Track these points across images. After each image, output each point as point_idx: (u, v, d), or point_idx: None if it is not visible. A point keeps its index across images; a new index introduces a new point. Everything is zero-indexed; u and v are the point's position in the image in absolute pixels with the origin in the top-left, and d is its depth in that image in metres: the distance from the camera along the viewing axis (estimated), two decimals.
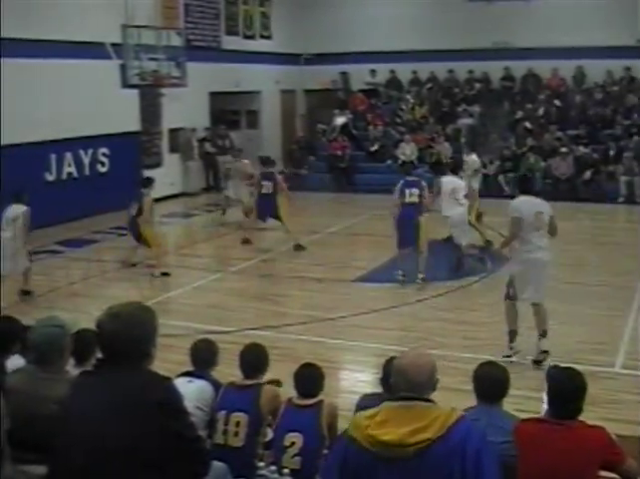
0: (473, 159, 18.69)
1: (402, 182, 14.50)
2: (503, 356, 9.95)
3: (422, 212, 14.25)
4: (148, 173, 22.02)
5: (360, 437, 3.93)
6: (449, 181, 15.28)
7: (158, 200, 18.80)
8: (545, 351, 10.13)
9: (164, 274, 15.23)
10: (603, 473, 4.97)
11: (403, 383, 3.97)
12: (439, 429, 3.81)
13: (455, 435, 3.82)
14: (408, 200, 14.25)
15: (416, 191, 14.26)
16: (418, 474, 3.83)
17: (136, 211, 15.65)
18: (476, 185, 18.09)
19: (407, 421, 3.86)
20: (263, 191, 17.38)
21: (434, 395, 4.02)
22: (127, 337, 3.85)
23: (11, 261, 13.53)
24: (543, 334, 10.24)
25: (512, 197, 11.01)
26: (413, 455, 3.80)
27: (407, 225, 14.17)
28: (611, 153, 24.50)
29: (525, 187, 10.90)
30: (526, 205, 10.30)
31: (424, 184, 14.59)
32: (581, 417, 5.05)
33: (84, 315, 9.01)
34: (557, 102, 27.43)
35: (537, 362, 10.04)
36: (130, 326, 3.87)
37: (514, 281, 10.33)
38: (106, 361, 3.91)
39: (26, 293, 13.80)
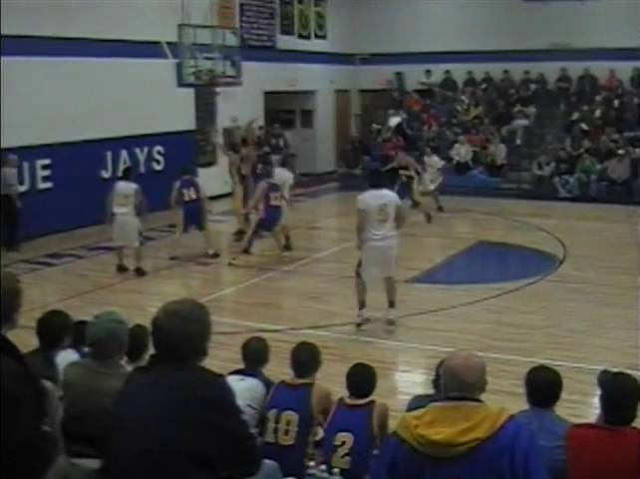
0: (434, 160, 22.31)
1: None
2: (356, 326, 11.83)
3: None
4: (202, 171, 22.19)
5: (409, 437, 3.93)
6: None
7: (211, 198, 18.93)
8: (391, 320, 11.82)
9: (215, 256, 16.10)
10: None
11: (452, 383, 3.98)
12: (488, 429, 3.81)
13: (504, 435, 3.82)
14: None
15: None
16: (468, 474, 3.83)
17: (196, 194, 16.46)
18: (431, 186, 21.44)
19: (456, 421, 3.86)
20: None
21: (484, 398, 4.02)
22: (184, 335, 3.89)
23: (122, 237, 14.97)
24: (391, 305, 11.91)
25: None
26: (462, 455, 3.80)
27: None
28: None
29: (374, 181, 11.95)
30: (372, 198, 11.50)
31: None
32: (635, 423, 5.00)
33: (138, 311, 9.11)
34: (615, 103, 27.14)
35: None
36: (187, 324, 3.91)
37: (362, 264, 11.76)
38: (160, 358, 3.94)
39: (139, 271, 15.08)
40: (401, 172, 20.34)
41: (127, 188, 15.05)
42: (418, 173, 20.81)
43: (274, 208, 16.22)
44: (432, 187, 21.86)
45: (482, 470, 3.81)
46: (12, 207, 17.16)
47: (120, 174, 15.22)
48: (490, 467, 3.80)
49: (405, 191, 18.74)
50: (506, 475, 3.78)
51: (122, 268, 15.33)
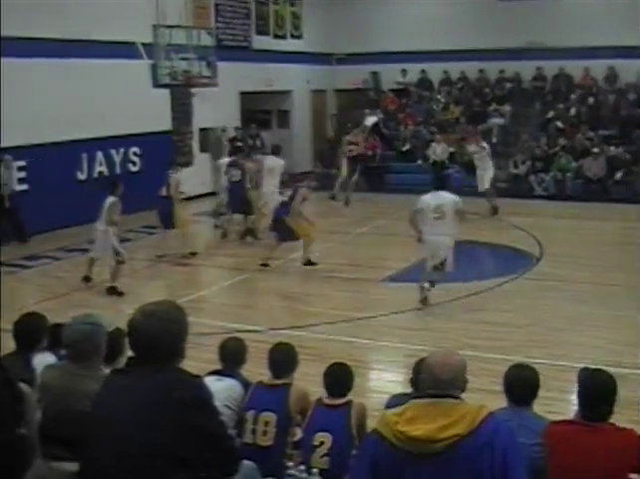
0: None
1: None
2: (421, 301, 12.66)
3: None
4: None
5: (389, 434, 3.93)
6: None
7: (188, 199, 18.91)
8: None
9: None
10: (633, 476, 4.95)
11: (430, 381, 3.99)
12: (468, 425, 3.81)
13: (483, 432, 3.82)
14: None
15: None
16: (447, 470, 3.82)
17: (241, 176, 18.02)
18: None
19: (436, 417, 3.86)
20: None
21: (463, 396, 4.02)
22: (161, 336, 3.87)
23: (97, 249, 14.57)
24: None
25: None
26: (442, 451, 3.79)
27: None
28: None
29: (436, 184, 13.33)
30: (431, 199, 12.76)
31: None
32: (611, 420, 5.03)
33: (116, 314, 9.08)
34: (589, 102, 27.28)
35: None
36: (164, 325, 3.89)
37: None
38: (137, 360, 3.93)
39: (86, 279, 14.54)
40: None
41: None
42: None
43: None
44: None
45: (462, 467, 3.81)
46: (3, 204, 17.94)
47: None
48: (470, 464, 3.80)
49: None
50: (486, 472, 3.78)
51: (87, 279, 14.68)
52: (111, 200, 14.36)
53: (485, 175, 21.28)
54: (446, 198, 12.77)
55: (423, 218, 12.68)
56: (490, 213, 20.88)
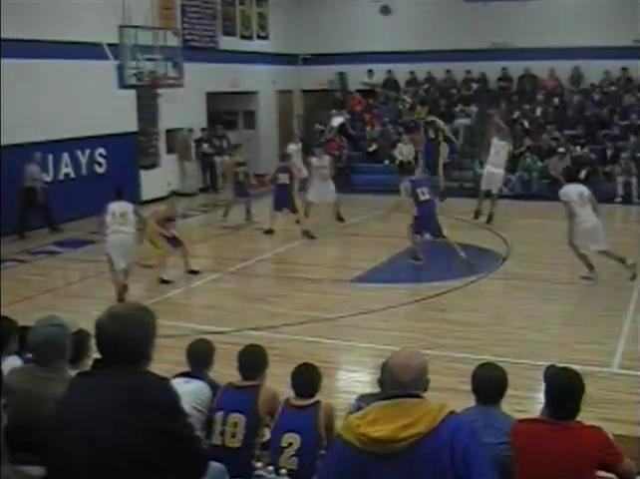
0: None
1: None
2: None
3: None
4: (145, 173, 22.08)
5: (352, 438, 3.93)
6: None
7: (154, 200, 18.83)
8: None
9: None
10: (600, 473, 4.98)
11: (391, 382, 4.01)
12: (429, 424, 3.82)
13: (444, 430, 3.83)
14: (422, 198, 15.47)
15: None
16: (410, 470, 3.82)
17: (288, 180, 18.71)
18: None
19: (396, 418, 3.86)
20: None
21: (431, 395, 4.03)
22: (128, 338, 3.84)
23: (122, 257, 13.78)
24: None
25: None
26: (404, 451, 3.80)
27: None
28: (608, 153, 24.55)
29: (570, 177, 14.85)
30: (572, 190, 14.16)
31: None
32: (578, 417, 5.05)
33: (82, 316, 9.02)
34: (555, 102, 27.47)
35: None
36: (131, 327, 3.86)
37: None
38: (104, 362, 3.90)
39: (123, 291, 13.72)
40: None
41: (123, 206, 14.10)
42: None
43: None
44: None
45: (424, 465, 3.82)
46: (36, 198, 19.11)
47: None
48: (432, 462, 3.81)
49: None
50: (448, 470, 3.79)
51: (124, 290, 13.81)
52: (130, 205, 14.05)
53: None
54: None
55: None
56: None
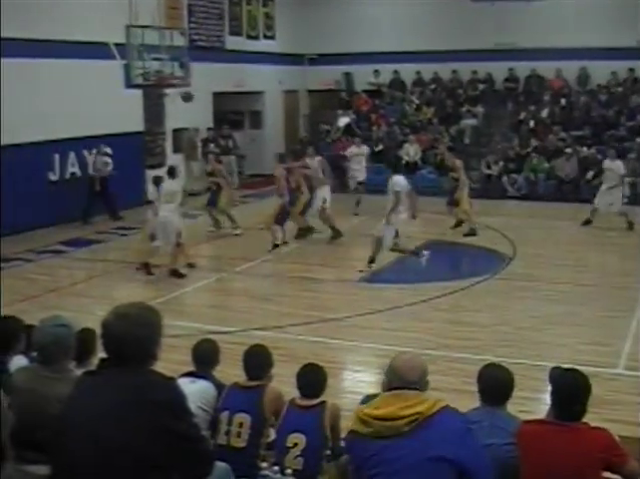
0: (617, 164, 20.08)
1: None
2: None
3: None
4: (151, 173, 22.07)
5: (357, 424, 4.23)
6: None
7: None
8: None
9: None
10: (606, 474, 4.97)
11: (395, 381, 4.25)
12: (427, 409, 4.09)
13: (439, 419, 4.08)
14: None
15: None
16: (411, 452, 4.05)
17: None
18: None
19: (397, 402, 4.15)
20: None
21: (435, 395, 4.12)
22: (134, 338, 3.84)
23: (165, 235, 14.79)
24: None
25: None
26: (405, 432, 4.06)
27: None
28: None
29: None
30: None
31: None
32: (584, 419, 5.04)
33: (87, 316, 9.03)
34: (562, 103, 27.44)
35: None
36: (137, 327, 3.87)
37: None
38: (110, 361, 3.90)
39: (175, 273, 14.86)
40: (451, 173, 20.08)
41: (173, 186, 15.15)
42: None
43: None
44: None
45: (422, 452, 4.04)
46: (104, 186, 20.76)
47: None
48: (429, 448, 4.04)
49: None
50: (444, 457, 4.03)
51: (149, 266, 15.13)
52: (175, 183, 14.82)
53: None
54: None
55: None
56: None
